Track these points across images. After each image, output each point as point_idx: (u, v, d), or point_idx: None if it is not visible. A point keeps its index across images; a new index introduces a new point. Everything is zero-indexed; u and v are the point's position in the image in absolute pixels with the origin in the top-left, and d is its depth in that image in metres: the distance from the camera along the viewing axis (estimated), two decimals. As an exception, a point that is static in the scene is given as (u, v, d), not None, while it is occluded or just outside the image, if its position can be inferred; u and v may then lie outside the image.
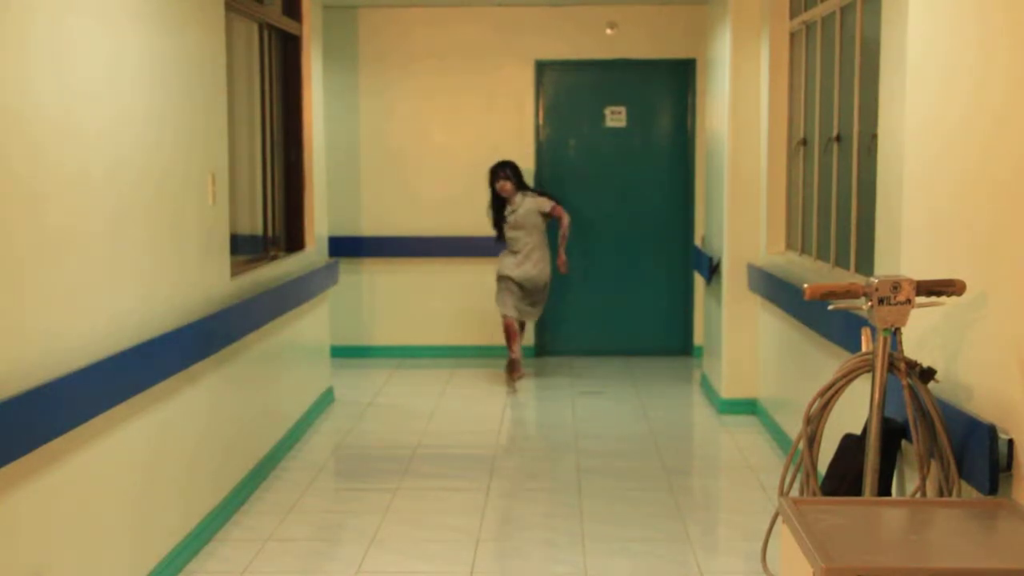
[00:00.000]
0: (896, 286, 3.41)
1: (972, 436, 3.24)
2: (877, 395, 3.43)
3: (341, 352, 9.28)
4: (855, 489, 3.60)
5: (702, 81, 9.25)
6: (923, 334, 3.71)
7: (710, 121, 8.35)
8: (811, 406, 3.62)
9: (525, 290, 8.40)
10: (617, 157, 9.58)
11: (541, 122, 9.60)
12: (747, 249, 7.39)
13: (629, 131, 9.57)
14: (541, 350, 9.67)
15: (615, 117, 9.56)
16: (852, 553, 2.60)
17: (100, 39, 4.04)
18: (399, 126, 9.55)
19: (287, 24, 7.10)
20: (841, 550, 2.61)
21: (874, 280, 3.44)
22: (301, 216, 7.40)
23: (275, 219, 6.97)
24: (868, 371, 3.54)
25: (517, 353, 8.48)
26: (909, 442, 3.58)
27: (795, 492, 3.74)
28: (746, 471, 6.24)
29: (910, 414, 3.43)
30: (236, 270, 5.72)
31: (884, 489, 3.60)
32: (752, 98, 7.29)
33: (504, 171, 8.43)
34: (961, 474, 3.34)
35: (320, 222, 7.73)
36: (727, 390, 7.53)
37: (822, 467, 3.84)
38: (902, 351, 3.52)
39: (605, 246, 9.62)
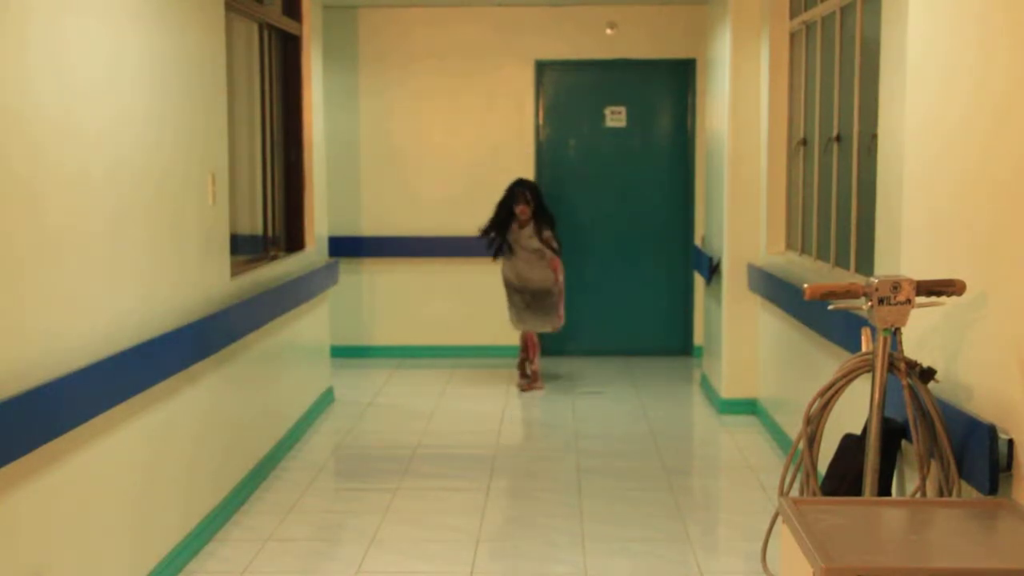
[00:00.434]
0: (896, 286, 3.41)
1: (972, 436, 3.24)
2: (877, 395, 3.43)
3: (341, 352, 9.28)
4: (855, 489, 3.60)
5: (702, 81, 9.25)
6: (923, 334, 3.71)
7: (710, 121, 8.35)
8: (811, 406, 3.62)
9: (523, 293, 8.29)
10: (617, 157, 9.58)
11: (541, 122, 9.60)
12: (747, 249, 7.39)
13: (629, 131, 9.57)
14: (541, 350, 9.65)
15: (615, 117, 9.56)
16: (852, 553, 2.60)
17: (100, 39, 4.04)
18: (399, 126, 9.55)
19: (287, 24, 7.10)
20: (841, 550, 2.61)
21: (874, 280, 3.44)
22: (301, 216, 7.40)
23: (275, 219, 6.97)
24: (868, 371, 3.54)
25: (536, 365, 8.43)
26: (909, 442, 3.58)
27: (795, 492, 3.73)
28: (746, 471, 6.24)
29: (910, 414, 3.43)
30: (236, 270, 5.72)
31: (884, 489, 3.59)
32: (752, 98, 7.29)
33: (525, 195, 8.23)
34: (961, 474, 3.34)
35: (320, 222, 7.73)
36: (727, 390, 7.53)
37: (822, 467, 3.84)
38: (902, 351, 3.52)
39: (605, 246, 9.62)
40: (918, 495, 3.43)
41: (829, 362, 5.26)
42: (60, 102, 3.71)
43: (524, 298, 8.31)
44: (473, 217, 8.96)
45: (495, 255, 8.35)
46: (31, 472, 3.46)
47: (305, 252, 7.33)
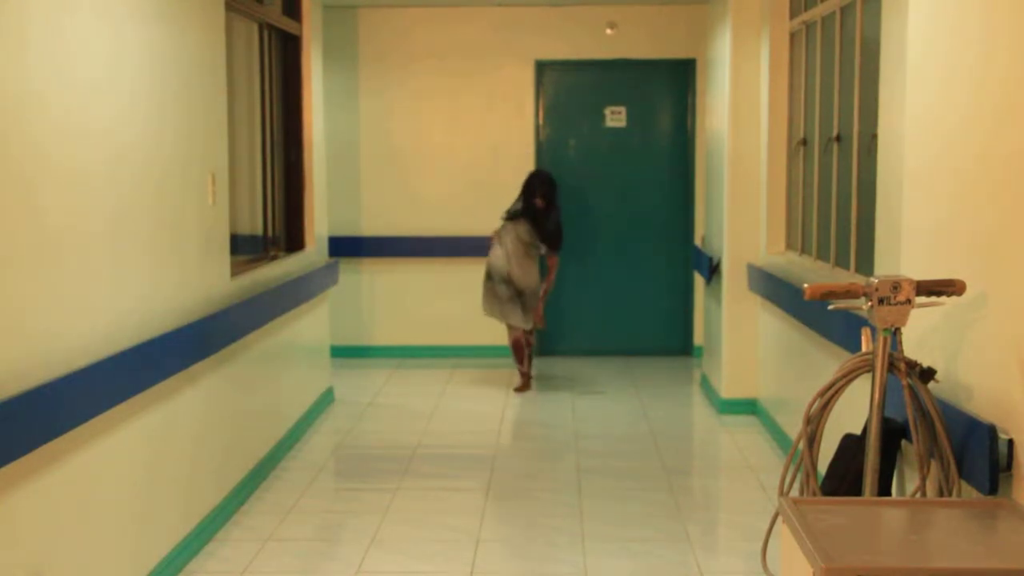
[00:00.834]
0: (896, 286, 3.41)
1: (972, 436, 3.24)
2: (877, 395, 3.43)
3: (341, 352, 9.28)
4: (855, 489, 3.60)
5: (702, 81, 9.25)
6: (923, 334, 3.71)
7: (710, 121, 8.35)
8: (811, 406, 3.62)
9: (508, 284, 8.11)
10: (617, 157, 9.58)
11: (541, 122, 9.60)
12: (747, 249, 7.39)
13: (629, 131, 9.57)
14: (541, 350, 9.66)
15: (615, 117, 9.56)
16: (852, 553, 2.60)
17: (99, 39, 4.04)
18: (399, 126, 9.55)
19: (287, 24, 7.10)
20: (841, 550, 2.61)
21: (874, 280, 3.44)
22: (301, 216, 7.40)
23: (275, 219, 6.97)
24: (868, 371, 3.54)
25: (526, 367, 8.37)
26: (909, 442, 3.58)
27: (795, 492, 3.73)
28: (746, 471, 6.24)
29: (910, 414, 3.43)
30: (236, 270, 5.72)
31: (884, 489, 3.59)
32: (752, 98, 7.29)
33: (542, 188, 8.14)
34: (961, 474, 3.34)
35: (320, 222, 7.73)
36: (727, 390, 7.53)
37: (822, 467, 3.84)
38: (902, 351, 3.52)
39: (605, 246, 9.62)
40: (918, 495, 3.43)
41: (829, 362, 5.26)
42: (60, 102, 3.71)
43: (509, 289, 8.15)
44: (473, 217, 8.98)
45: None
46: (31, 472, 3.46)
47: (305, 252, 7.34)
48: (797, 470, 3.67)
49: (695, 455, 6.93)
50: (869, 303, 3.44)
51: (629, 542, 5.08)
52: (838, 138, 5.82)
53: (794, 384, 6.36)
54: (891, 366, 3.47)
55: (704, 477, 6.47)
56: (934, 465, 3.45)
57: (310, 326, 7.37)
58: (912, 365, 3.50)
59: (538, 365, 9.24)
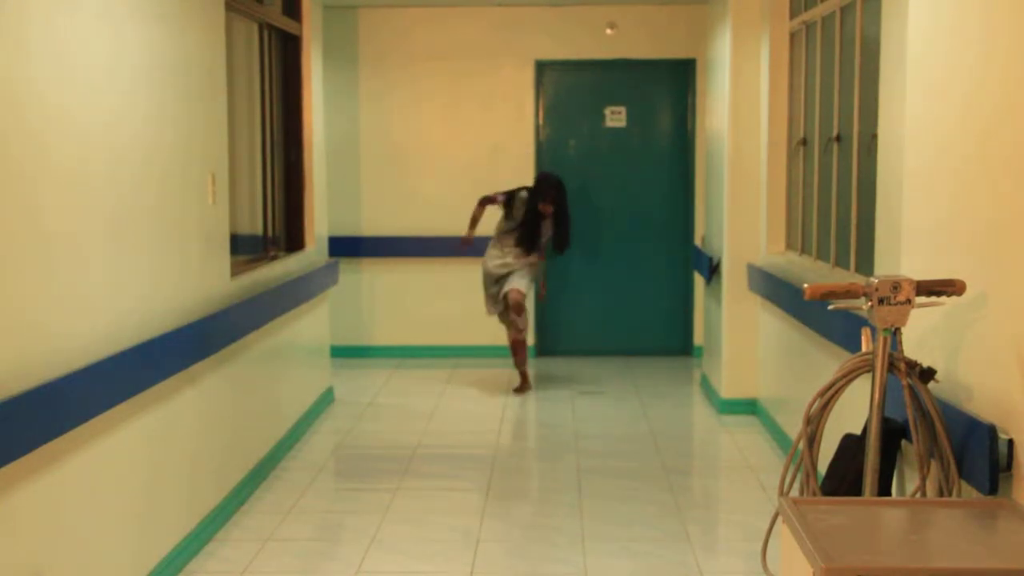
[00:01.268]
0: (896, 286, 3.42)
1: (972, 436, 3.24)
2: (877, 395, 3.43)
3: (341, 352, 9.28)
4: (855, 489, 3.60)
5: (702, 81, 9.25)
6: (923, 334, 3.71)
7: (710, 121, 8.35)
8: (811, 406, 3.62)
9: (498, 283, 8.15)
10: (617, 157, 9.58)
11: (541, 122, 9.60)
12: (747, 249, 7.39)
13: (629, 131, 9.57)
14: (541, 350, 9.67)
15: (615, 117, 9.56)
16: (852, 553, 2.60)
17: (99, 39, 4.04)
18: (399, 126, 9.56)
19: (287, 24, 7.10)
20: (841, 550, 2.61)
21: (874, 280, 3.44)
22: (301, 216, 7.40)
23: (275, 219, 6.97)
24: (868, 371, 3.54)
25: (526, 367, 8.34)
26: (909, 442, 3.58)
27: (795, 492, 3.73)
28: (746, 471, 6.24)
29: (910, 414, 3.43)
30: (236, 270, 5.72)
31: (884, 489, 3.60)
32: (752, 98, 7.29)
33: (551, 194, 8.05)
34: (961, 474, 3.34)
35: (320, 222, 7.73)
36: (727, 390, 7.53)
37: (822, 467, 3.84)
38: (902, 351, 3.52)
39: (605, 246, 9.62)
40: (918, 495, 3.43)
41: (829, 362, 5.26)
42: (60, 102, 3.71)
43: (500, 284, 8.16)
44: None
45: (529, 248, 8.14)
46: (31, 472, 3.46)
47: (305, 252, 7.34)
48: (797, 470, 3.67)
49: (695, 455, 6.93)
50: (869, 303, 3.44)
51: (629, 542, 5.08)
52: (838, 138, 5.82)
53: (794, 384, 6.36)
54: (891, 366, 3.47)
55: (704, 477, 6.47)
56: (934, 465, 3.45)
57: (310, 326, 7.37)
58: (912, 365, 3.50)
59: (538, 364, 9.25)
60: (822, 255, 6.16)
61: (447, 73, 9.51)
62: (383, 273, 9.63)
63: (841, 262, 5.76)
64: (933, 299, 3.45)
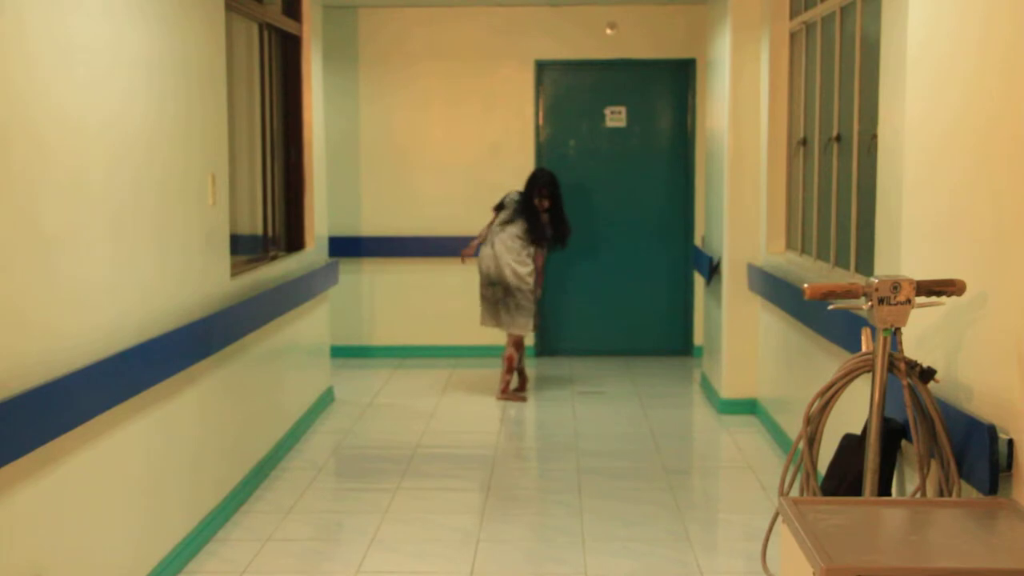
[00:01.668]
0: (896, 286, 3.42)
1: (972, 436, 3.24)
2: (877, 395, 3.43)
3: (341, 352, 9.28)
4: (855, 489, 3.60)
5: (702, 81, 9.25)
6: (923, 334, 3.71)
7: (710, 121, 8.35)
8: (811, 406, 3.62)
9: (495, 286, 7.92)
10: (617, 157, 9.59)
11: (541, 122, 9.60)
12: (747, 249, 7.39)
13: (629, 131, 9.57)
14: (541, 350, 9.67)
15: (615, 117, 9.56)
16: (852, 553, 2.61)
17: (99, 39, 4.04)
18: (399, 126, 9.56)
19: (287, 24, 7.10)
20: (841, 550, 2.61)
21: (874, 280, 3.44)
22: (301, 216, 7.40)
23: (275, 219, 6.97)
24: (868, 371, 3.54)
25: (511, 376, 8.07)
26: (909, 442, 3.58)
27: (795, 492, 3.74)
28: (746, 471, 6.24)
29: (910, 414, 3.43)
30: (236, 270, 5.72)
31: (884, 489, 3.60)
32: (752, 98, 7.29)
33: (544, 189, 7.96)
34: (961, 474, 3.34)
35: (320, 222, 7.73)
36: (727, 390, 7.53)
37: (822, 467, 3.84)
38: (902, 351, 3.52)
39: (605, 246, 9.62)
40: (918, 495, 3.43)
41: (829, 362, 5.26)
42: (60, 102, 3.71)
43: (496, 292, 7.94)
44: (473, 217, 8.95)
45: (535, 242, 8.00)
46: (31, 472, 3.46)
47: (305, 252, 7.34)
48: (797, 470, 3.67)
49: (695, 455, 6.93)
50: (869, 303, 3.44)
51: (629, 542, 5.08)
52: (838, 138, 5.82)
53: (794, 384, 6.36)
54: (891, 366, 3.47)
55: (704, 477, 6.47)
56: (934, 465, 3.45)
57: (310, 326, 7.37)
58: (912, 365, 3.50)
59: (538, 364, 9.25)
60: (822, 255, 6.16)
61: (447, 73, 9.51)
62: (383, 273, 9.63)
63: (841, 262, 5.76)
64: (933, 299, 3.45)
